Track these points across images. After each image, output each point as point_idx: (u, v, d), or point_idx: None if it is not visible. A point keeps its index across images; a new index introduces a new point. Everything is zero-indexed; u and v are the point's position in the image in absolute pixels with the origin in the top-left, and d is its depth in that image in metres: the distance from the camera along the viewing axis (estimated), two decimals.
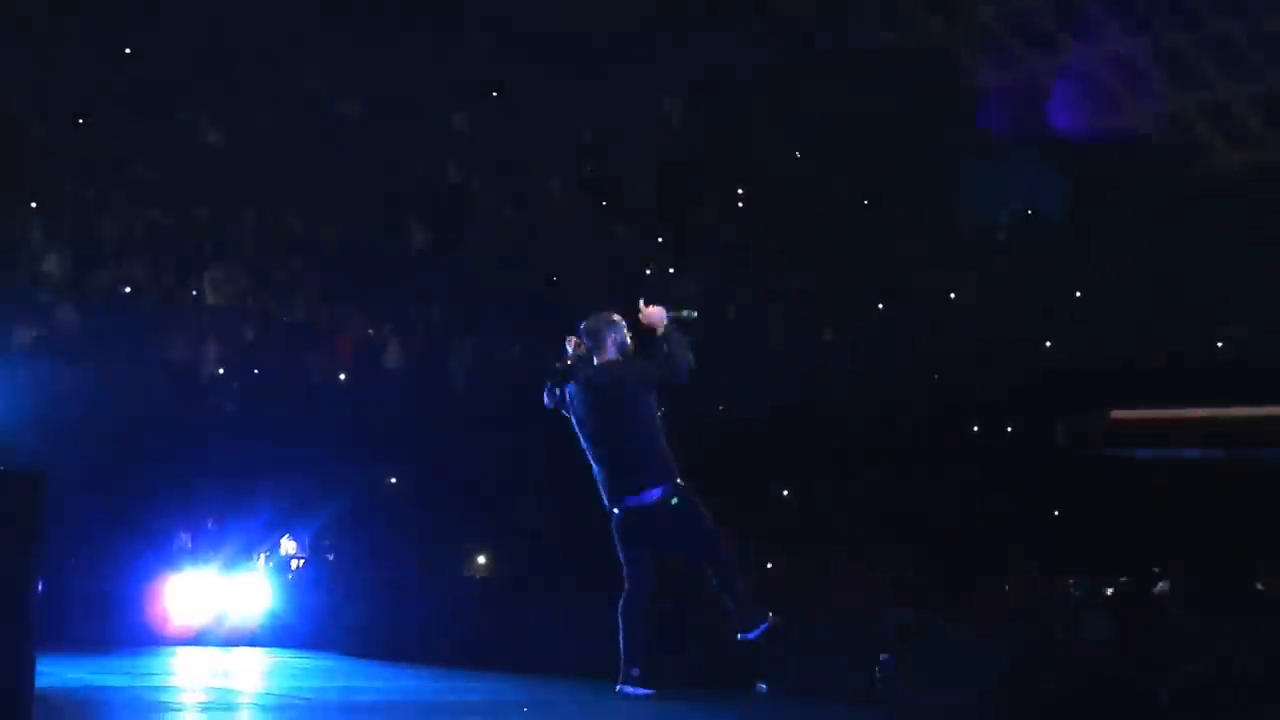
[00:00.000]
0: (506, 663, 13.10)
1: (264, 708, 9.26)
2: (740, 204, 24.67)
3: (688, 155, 25.26)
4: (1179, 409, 7.09)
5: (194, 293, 20.88)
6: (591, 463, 10.23)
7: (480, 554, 17.71)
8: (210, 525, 17.18)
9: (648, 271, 23.67)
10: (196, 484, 17.07)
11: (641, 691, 10.04)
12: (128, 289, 20.64)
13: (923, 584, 13.53)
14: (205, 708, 9.12)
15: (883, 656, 10.50)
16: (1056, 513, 16.01)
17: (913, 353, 20.80)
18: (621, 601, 10.30)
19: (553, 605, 14.53)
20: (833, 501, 16.69)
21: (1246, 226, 21.87)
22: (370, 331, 21.68)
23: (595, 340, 10.23)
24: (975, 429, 18.47)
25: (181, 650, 14.19)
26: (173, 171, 22.45)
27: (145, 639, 14.53)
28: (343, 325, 21.54)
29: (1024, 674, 10.04)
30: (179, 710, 8.80)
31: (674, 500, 9.98)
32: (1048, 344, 21.16)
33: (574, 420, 10.31)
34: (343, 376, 21.34)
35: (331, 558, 17.68)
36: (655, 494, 9.99)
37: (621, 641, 10.21)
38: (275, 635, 15.27)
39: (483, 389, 20.96)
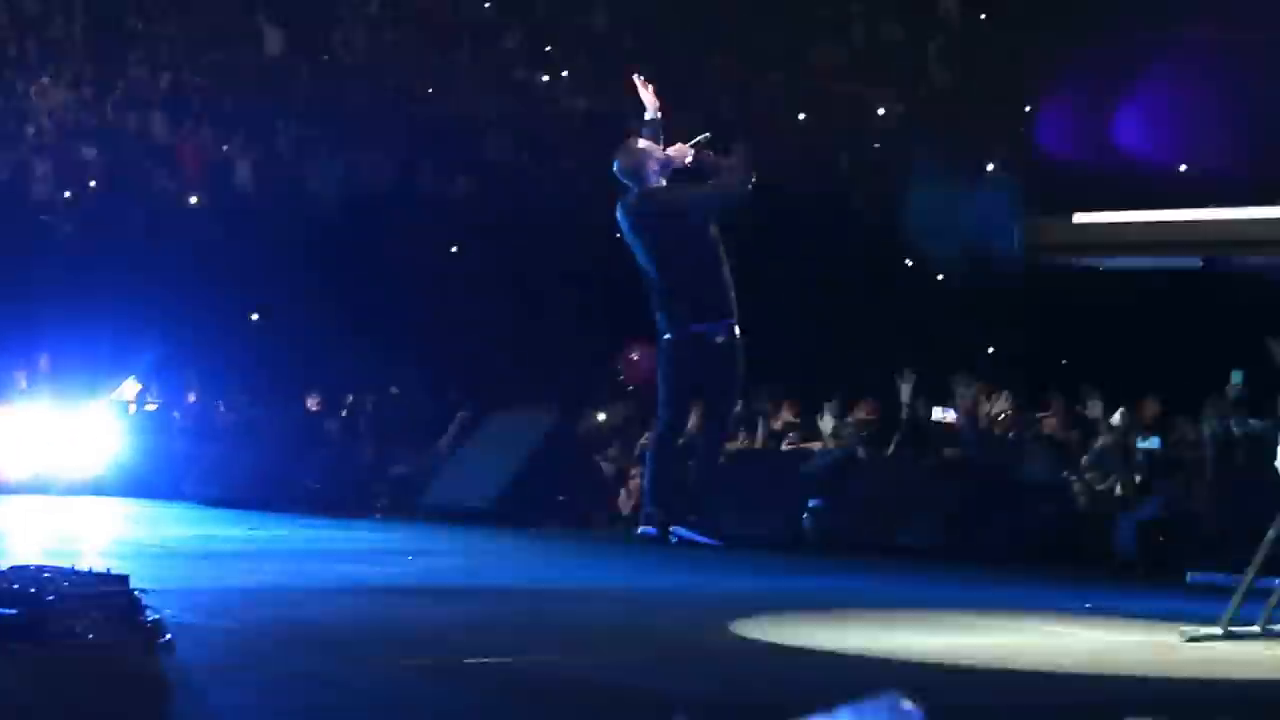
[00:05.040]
0: (385, 511, 13.06)
1: (119, 556, 9.10)
2: None
3: None
4: (1151, 213, 7.00)
5: (23, 101, 20.45)
6: (649, 288, 10.41)
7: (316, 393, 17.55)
8: (46, 362, 16.93)
9: (544, 78, 23.39)
10: (32, 315, 16.80)
11: (650, 530, 10.23)
12: None
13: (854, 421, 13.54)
14: (50, 555, 8.94)
15: (812, 501, 10.52)
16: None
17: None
18: (653, 440, 10.46)
19: (421, 453, 14.49)
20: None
21: None
22: (224, 147, 21.32)
23: (637, 177, 10.34)
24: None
25: (16, 499, 13.98)
26: None
27: None
28: (192, 138, 21.17)
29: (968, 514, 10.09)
30: (18, 559, 8.61)
31: (719, 339, 10.13)
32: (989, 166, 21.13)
33: (631, 243, 10.42)
34: (194, 200, 21.02)
35: (192, 399, 17.48)
36: (706, 327, 10.16)
37: (645, 479, 10.39)
38: (122, 484, 15.09)
39: (349, 212, 20.72)
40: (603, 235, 18.39)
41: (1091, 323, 14.37)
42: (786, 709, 4.13)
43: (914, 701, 4.20)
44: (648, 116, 10.43)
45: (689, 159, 10.24)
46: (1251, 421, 11.25)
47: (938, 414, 13.08)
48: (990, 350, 16.59)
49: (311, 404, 17.10)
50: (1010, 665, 6.22)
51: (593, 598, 8.05)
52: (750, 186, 10.30)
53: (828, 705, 4.21)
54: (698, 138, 10.32)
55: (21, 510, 12.88)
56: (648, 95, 10.38)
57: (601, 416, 14.42)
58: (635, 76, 10.40)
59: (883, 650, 6.47)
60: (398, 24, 23.66)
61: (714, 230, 10.30)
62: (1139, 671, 6.16)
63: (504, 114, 22.44)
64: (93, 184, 19.76)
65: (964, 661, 6.25)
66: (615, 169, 10.39)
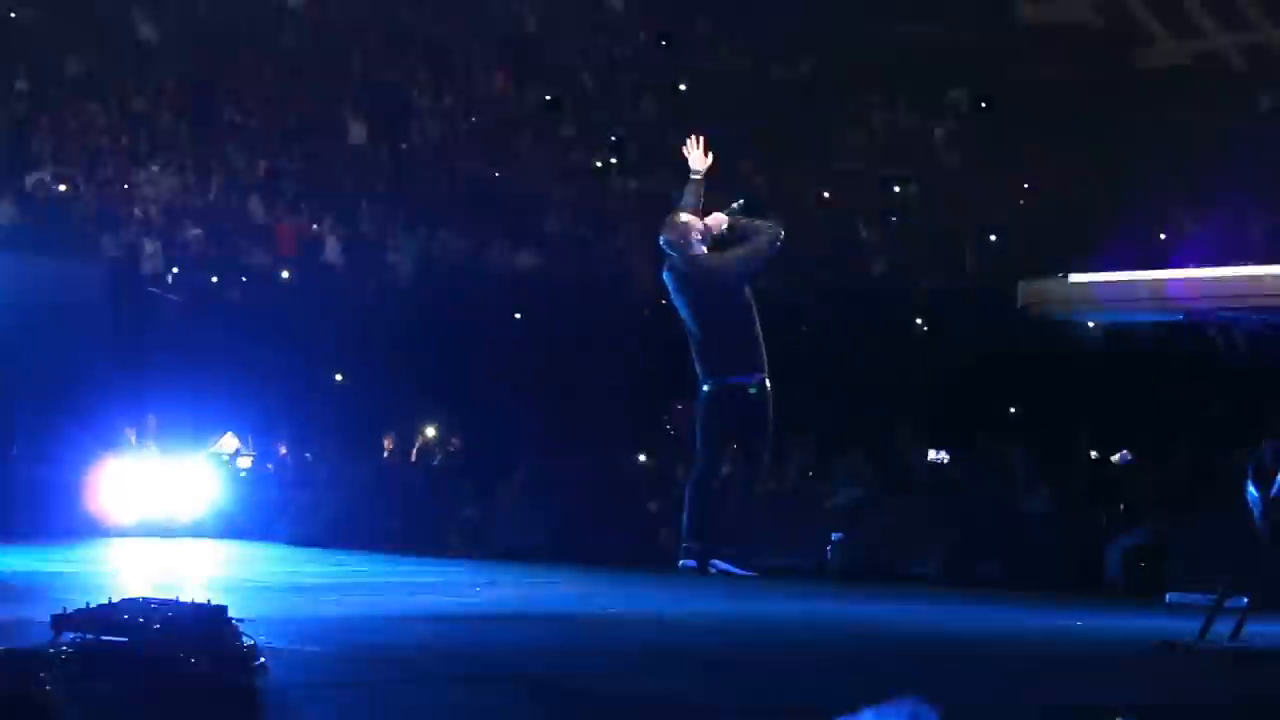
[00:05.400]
0: (456, 549, 13.09)
1: (218, 590, 9.15)
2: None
3: (631, 51, 25.04)
4: (1137, 273, 7.01)
5: (135, 187, 20.59)
6: (690, 342, 10.51)
7: (429, 428, 17.54)
8: (152, 420, 17.03)
9: (597, 164, 23.44)
10: (142, 378, 16.91)
11: (690, 563, 10.29)
12: (62, 186, 20.36)
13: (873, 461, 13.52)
14: (156, 589, 8.99)
15: (834, 534, 10.53)
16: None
17: (870, 247, 20.80)
18: (691, 478, 10.50)
19: (498, 496, 14.50)
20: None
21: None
22: (314, 226, 21.44)
23: (682, 248, 10.44)
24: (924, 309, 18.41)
25: (124, 540, 14.04)
26: (109, 67, 22.11)
27: (87, 529, 14.34)
28: (286, 220, 21.30)
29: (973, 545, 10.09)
30: (127, 593, 8.67)
31: (752, 389, 10.21)
32: (992, 237, 21.09)
33: (676, 302, 10.53)
34: (286, 274, 21.13)
35: (284, 451, 17.54)
36: (742, 379, 10.23)
37: (685, 516, 10.42)
38: (220, 527, 15.14)
39: (427, 283, 20.81)
40: (650, 298, 18.47)
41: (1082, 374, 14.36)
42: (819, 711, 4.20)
43: (932, 705, 4.22)
44: (692, 175, 10.44)
45: (725, 225, 10.29)
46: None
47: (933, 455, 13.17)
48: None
49: (389, 455, 17.16)
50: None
51: (640, 622, 8.07)
52: (779, 243, 10.34)
53: (851, 708, 4.23)
54: (732, 205, 10.37)
55: (130, 551, 12.96)
56: (696, 154, 10.40)
57: (642, 457, 14.43)
58: (692, 137, 10.44)
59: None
60: (468, 116, 23.79)
61: (749, 293, 10.35)
62: (1122, 676, 6.20)
63: (563, 194, 22.52)
64: (196, 261, 19.89)
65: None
66: (661, 241, 10.44)
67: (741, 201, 10.43)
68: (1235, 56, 24.95)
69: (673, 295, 10.58)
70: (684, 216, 10.45)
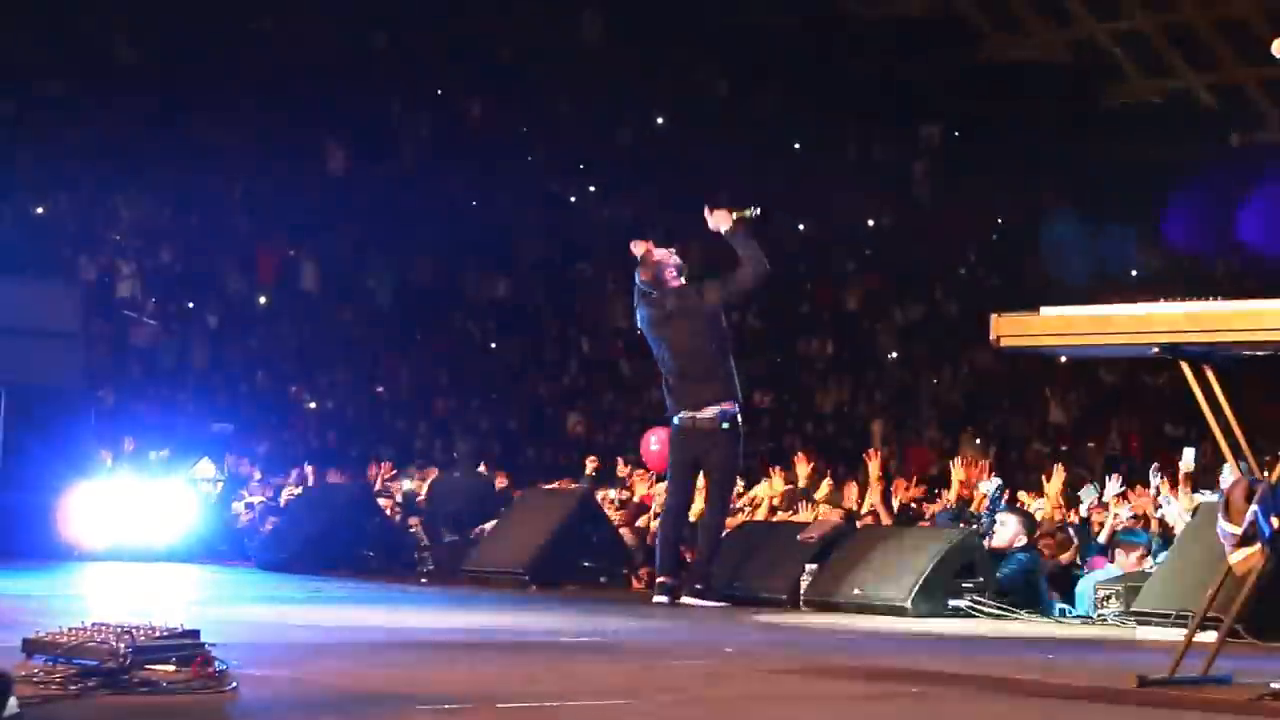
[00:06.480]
0: (440, 574, 13.09)
1: (187, 613, 9.11)
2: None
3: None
4: (1107, 307, 7.02)
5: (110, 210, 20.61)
6: (663, 375, 10.58)
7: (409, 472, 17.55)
8: (130, 443, 17.01)
9: (572, 199, 23.51)
10: (118, 402, 16.89)
11: (663, 599, 10.37)
12: (40, 209, 20.36)
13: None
14: (129, 613, 8.95)
15: (808, 564, 10.56)
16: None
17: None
18: (665, 515, 10.58)
19: (463, 523, 14.52)
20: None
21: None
22: (291, 252, 21.46)
23: (658, 283, 10.52)
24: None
25: (97, 564, 13.97)
26: (88, 86, 22.09)
27: (60, 553, 14.24)
28: (264, 245, 21.32)
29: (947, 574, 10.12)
30: (100, 617, 8.63)
31: (724, 424, 10.28)
32: (962, 271, 21.18)
33: (649, 337, 10.57)
34: (263, 300, 21.16)
35: (258, 477, 17.53)
36: (710, 413, 10.29)
37: (658, 551, 10.51)
38: (194, 551, 15.09)
39: (400, 309, 20.85)
40: (621, 329, 18.48)
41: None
42: None
43: None
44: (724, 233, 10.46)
45: (724, 228, 10.24)
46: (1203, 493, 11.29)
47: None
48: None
49: (364, 479, 17.14)
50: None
51: (612, 649, 8.06)
52: (765, 275, 10.33)
53: None
54: (745, 211, 10.29)
55: (104, 575, 12.91)
56: (717, 215, 10.43)
57: (613, 493, 14.41)
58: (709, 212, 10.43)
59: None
60: (446, 143, 23.82)
61: (724, 324, 10.36)
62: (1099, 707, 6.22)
63: (538, 221, 22.57)
64: (172, 284, 19.92)
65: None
66: (638, 282, 10.45)
67: (756, 209, 10.35)
68: (1204, 94, 25.09)
69: (646, 329, 10.59)
70: (658, 253, 10.49)
